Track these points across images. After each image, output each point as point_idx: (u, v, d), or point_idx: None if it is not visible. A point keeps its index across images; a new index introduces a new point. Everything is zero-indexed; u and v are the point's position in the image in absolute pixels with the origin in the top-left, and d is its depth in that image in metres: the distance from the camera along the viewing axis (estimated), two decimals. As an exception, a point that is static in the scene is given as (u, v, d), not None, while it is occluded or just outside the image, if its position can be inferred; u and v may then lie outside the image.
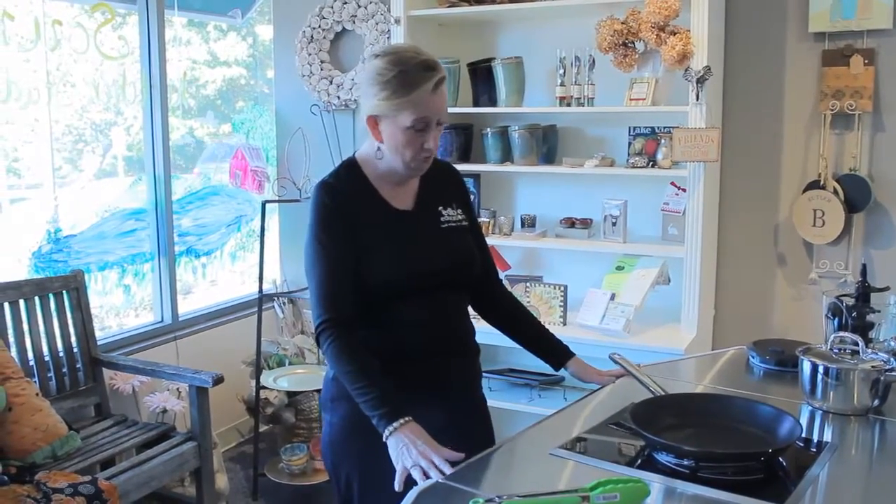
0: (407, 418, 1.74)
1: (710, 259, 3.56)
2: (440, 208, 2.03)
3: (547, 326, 2.26)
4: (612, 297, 3.34)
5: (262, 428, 3.97)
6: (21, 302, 3.20)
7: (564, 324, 3.44)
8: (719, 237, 3.64)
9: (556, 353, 2.17)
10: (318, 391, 3.78)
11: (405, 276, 1.93)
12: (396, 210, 1.98)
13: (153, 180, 3.91)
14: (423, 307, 1.95)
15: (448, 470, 1.62)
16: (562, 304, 3.44)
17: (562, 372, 2.18)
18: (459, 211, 2.07)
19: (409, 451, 1.68)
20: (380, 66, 1.84)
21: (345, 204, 1.92)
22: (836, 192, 3.36)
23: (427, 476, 1.61)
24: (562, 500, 1.41)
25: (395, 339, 1.94)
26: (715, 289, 3.66)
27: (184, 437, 3.24)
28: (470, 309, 2.13)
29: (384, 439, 1.74)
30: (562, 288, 3.45)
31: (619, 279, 3.40)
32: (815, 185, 3.41)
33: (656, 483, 1.54)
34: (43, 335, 3.27)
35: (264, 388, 3.77)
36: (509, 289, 2.56)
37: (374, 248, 1.91)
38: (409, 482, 1.64)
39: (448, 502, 1.49)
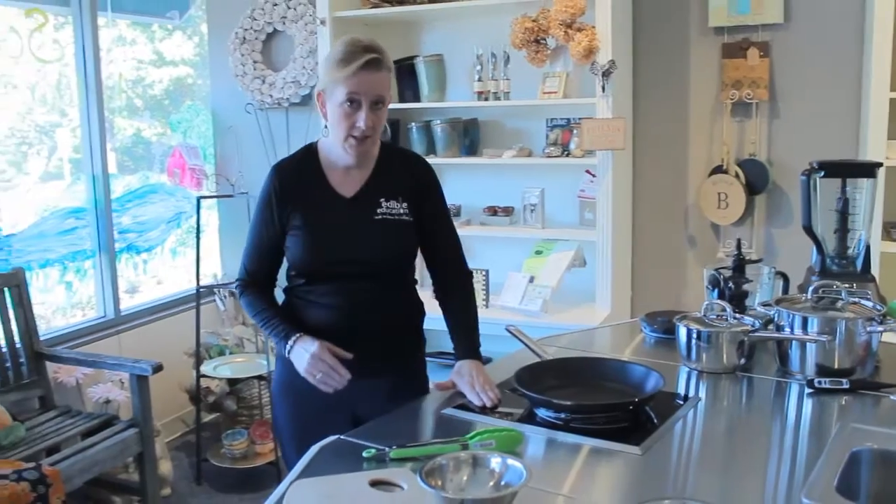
0: (299, 334, 2.05)
1: (625, 241, 3.77)
2: (381, 199, 2.11)
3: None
4: (531, 279, 3.54)
5: (207, 418, 4.10)
6: (-38, 299, 3.31)
7: (487, 306, 3.62)
8: (634, 221, 3.86)
9: (459, 348, 2.20)
10: (258, 377, 3.95)
11: (320, 261, 2.10)
12: (338, 196, 2.11)
13: (92, 179, 4.02)
14: (337, 293, 2.10)
15: (345, 373, 1.98)
16: (484, 287, 3.62)
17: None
18: (405, 205, 2.12)
19: (312, 361, 1.99)
20: (335, 47, 2.04)
21: (288, 186, 2.11)
22: (737, 176, 3.60)
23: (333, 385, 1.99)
24: (444, 449, 1.59)
25: (312, 319, 2.12)
26: (631, 270, 3.89)
27: (126, 423, 3.37)
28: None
29: (287, 355, 2.06)
30: (484, 272, 3.64)
31: (538, 263, 3.60)
32: (718, 169, 3.65)
33: (535, 435, 1.73)
34: (-15, 331, 3.38)
35: (205, 376, 3.92)
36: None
37: (302, 230, 2.08)
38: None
39: (346, 455, 1.66)
